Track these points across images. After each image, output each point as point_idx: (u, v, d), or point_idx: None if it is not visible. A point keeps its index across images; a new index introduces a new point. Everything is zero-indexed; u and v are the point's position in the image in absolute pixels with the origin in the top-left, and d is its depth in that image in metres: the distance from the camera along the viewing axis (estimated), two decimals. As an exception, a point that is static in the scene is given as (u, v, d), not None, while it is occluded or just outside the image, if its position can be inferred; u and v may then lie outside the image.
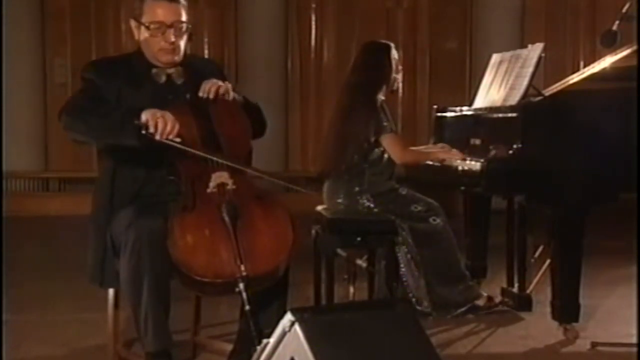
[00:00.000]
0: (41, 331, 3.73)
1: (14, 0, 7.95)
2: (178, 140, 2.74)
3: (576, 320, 3.56)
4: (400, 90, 8.63)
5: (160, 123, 2.71)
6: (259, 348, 2.35)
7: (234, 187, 2.81)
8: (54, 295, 4.40)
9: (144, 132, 2.70)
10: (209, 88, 2.94)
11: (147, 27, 2.97)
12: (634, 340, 3.33)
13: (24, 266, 5.21)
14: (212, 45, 8.83)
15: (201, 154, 2.82)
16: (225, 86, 2.96)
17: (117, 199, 2.97)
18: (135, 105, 2.85)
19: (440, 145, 4.12)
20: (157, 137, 2.71)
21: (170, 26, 2.96)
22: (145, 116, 2.72)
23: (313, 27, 9.06)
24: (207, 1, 8.90)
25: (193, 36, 3.10)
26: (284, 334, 2.23)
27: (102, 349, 3.24)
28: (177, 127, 2.74)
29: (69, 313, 3.93)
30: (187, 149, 2.78)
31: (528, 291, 4.06)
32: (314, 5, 9.04)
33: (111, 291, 3.05)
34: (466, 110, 4.20)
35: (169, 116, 2.74)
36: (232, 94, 3.00)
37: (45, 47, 8.65)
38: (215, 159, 2.83)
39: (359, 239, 3.64)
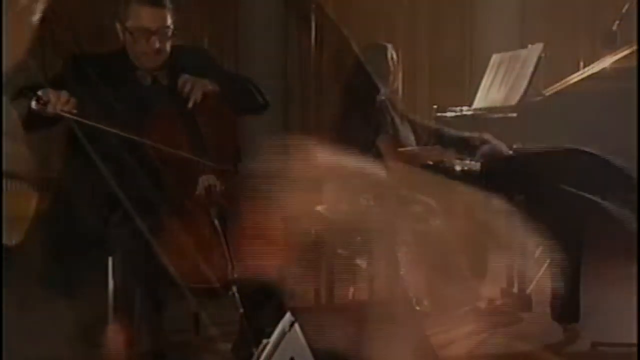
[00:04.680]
0: (41, 331, 3.72)
1: (14, 0, 7.94)
2: (74, 111, 2.71)
3: (576, 320, 3.56)
4: (400, 90, 8.64)
5: (52, 96, 2.69)
6: (259, 348, 2.35)
7: (222, 187, 2.79)
8: (53, 295, 4.39)
9: (34, 102, 2.71)
10: (193, 92, 2.90)
11: (131, 33, 2.92)
12: (634, 340, 3.33)
13: (23, 266, 5.19)
14: (212, 45, 8.82)
15: (117, 132, 2.76)
16: (208, 88, 2.92)
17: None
18: (112, 105, 2.84)
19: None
20: (50, 109, 2.69)
21: (154, 32, 2.90)
22: (42, 92, 2.71)
23: (313, 27, 9.04)
24: (206, 1, 8.90)
25: (177, 32, 3.00)
26: (284, 334, 2.23)
27: (102, 349, 3.24)
28: (72, 101, 2.70)
29: (69, 313, 3.92)
30: (85, 121, 2.72)
31: (528, 291, 4.06)
32: (314, 6, 9.02)
33: (111, 290, 3.05)
34: (466, 110, 4.20)
35: (65, 93, 2.70)
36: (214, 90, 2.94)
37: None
38: (114, 135, 2.75)
39: (359, 238, 3.64)
